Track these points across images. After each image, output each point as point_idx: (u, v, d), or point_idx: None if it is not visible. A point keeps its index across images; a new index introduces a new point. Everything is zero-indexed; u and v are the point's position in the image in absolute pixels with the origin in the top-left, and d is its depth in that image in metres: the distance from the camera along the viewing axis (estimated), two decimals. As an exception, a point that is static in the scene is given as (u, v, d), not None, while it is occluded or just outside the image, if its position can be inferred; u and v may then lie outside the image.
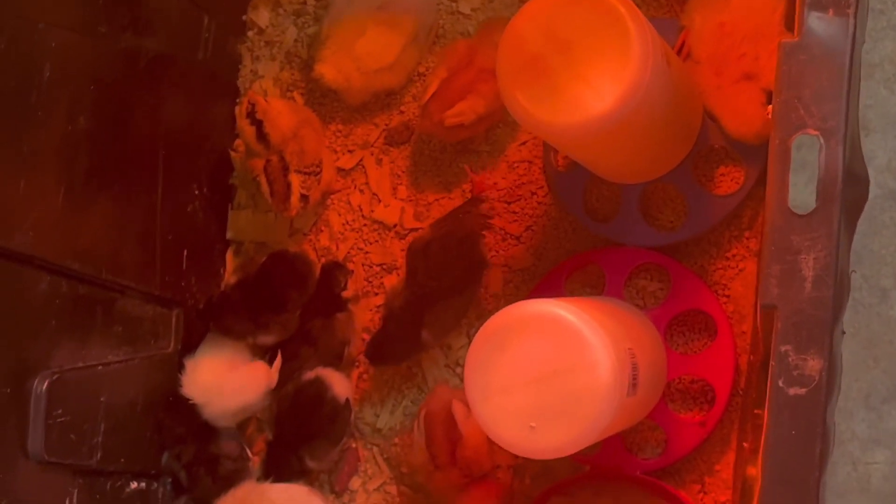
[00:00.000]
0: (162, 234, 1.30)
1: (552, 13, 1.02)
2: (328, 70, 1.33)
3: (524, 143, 1.35)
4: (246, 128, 1.31)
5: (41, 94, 1.09)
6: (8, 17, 1.04)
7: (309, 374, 1.32)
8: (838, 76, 0.84)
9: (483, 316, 1.34)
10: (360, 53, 1.33)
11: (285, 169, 1.34)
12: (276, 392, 1.34)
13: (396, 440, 1.36)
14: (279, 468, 1.31)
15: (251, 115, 1.31)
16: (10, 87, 1.05)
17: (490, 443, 1.22)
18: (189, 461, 1.31)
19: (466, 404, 1.11)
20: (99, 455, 1.20)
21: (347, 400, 1.32)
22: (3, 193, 1.06)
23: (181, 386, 1.30)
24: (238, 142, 1.42)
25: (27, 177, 1.08)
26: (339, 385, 1.32)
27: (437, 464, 1.26)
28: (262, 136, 1.31)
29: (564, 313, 1.02)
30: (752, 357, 1.23)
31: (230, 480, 1.30)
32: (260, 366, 1.33)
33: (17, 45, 1.05)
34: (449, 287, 1.27)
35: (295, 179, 1.34)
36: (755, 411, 1.15)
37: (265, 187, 1.33)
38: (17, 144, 1.07)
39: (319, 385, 1.31)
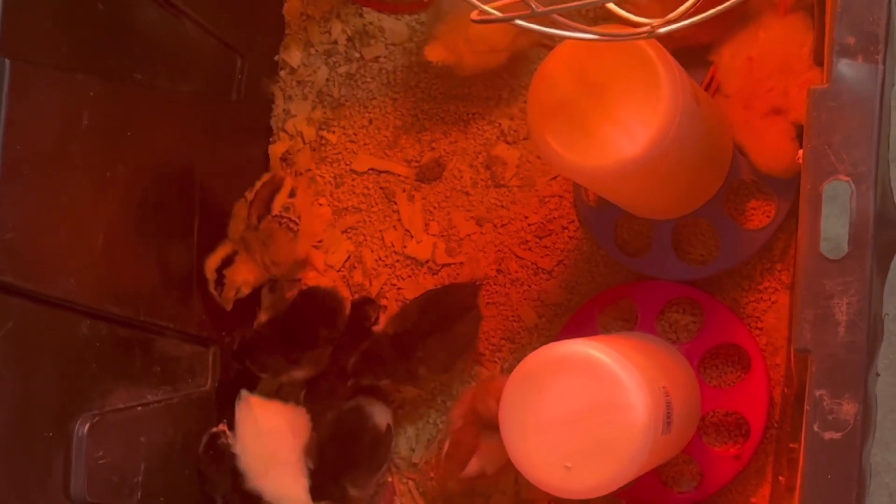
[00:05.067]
0: (199, 274, 1.32)
1: (582, 56, 1.03)
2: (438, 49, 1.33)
3: (555, 178, 1.36)
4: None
5: (80, 143, 1.11)
6: (46, 68, 1.06)
7: (349, 403, 1.33)
8: (868, 122, 0.84)
9: (517, 351, 1.35)
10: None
11: None
12: (317, 420, 1.35)
13: (432, 474, 1.37)
14: (321, 496, 1.32)
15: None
16: (49, 138, 1.07)
17: None
18: (226, 492, 1.33)
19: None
20: (139, 495, 1.21)
21: (388, 427, 1.33)
22: (45, 241, 1.08)
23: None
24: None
25: (67, 224, 1.10)
26: (380, 413, 1.33)
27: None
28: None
29: (598, 354, 1.03)
30: (786, 390, 1.23)
31: None
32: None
33: (55, 97, 1.07)
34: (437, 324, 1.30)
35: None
36: (790, 445, 1.15)
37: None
38: (57, 193, 1.09)
39: (360, 414, 1.32)
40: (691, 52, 1.25)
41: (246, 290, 1.35)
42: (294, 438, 1.32)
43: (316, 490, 1.32)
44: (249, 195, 1.39)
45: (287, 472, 1.31)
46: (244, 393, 1.32)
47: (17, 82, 1.02)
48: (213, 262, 1.33)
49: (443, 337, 1.31)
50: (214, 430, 1.31)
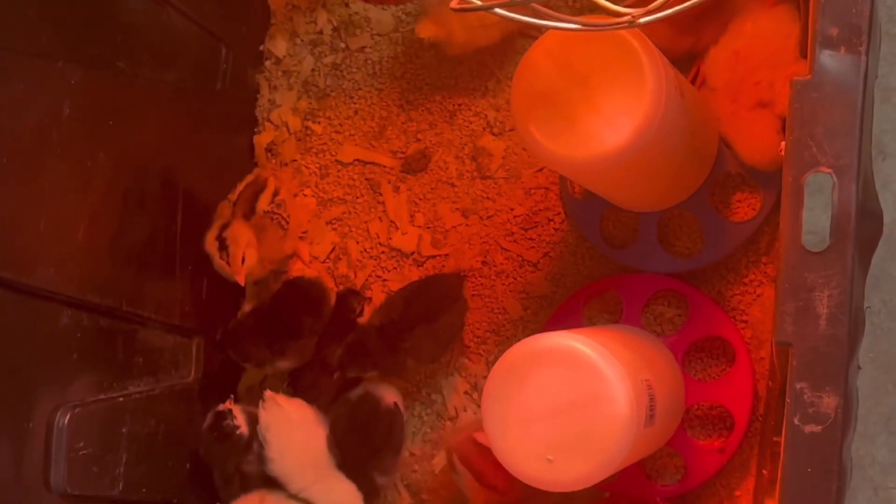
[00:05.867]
0: (182, 264, 1.31)
1: (567, 47, 1.03)
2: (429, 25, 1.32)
3: (541, 170, 1.36)
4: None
5: (61, 132, 1.10)
6: (27, 56, 1.05)
7: (355, 392, 1.32)
8: (851, 114, 0.84)
9: (502, 343, 1.35)
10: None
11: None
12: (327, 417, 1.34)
13: (416, 467, 1.37)
14: None
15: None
16: (30, 126, 1.06)
17: None
18: (228, 471, 1.32)
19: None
20: (121, 486, 1.20)
21: (396, 405, 1.32)
22: (25, 230, 1.07)
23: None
24: (257, 170, 1.44)
25: (47, 213, 1.09)
26: (387, 393, 1.32)
27: (502, 490, 1.25)
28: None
29: (581, 346, 1.02)
30: (770, 383, 1.23)
31: None
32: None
33: (36, 85, 1.06)
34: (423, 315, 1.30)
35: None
36: (774, 438, 1.15)
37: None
38: (37, 182, 1.08)
39: (370, 400, 1.31)
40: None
41: (251, 255, 1.32)
42: (322, 430, 1.32)
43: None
44: (233, 196, 1.38)
45: (334, 477, 1.31)
46: (268, 393, 1.30)
47: (-3, 70, 1.01)
48: (211, 233, 1.32)
49: (430, 328, 1.30)
50: (221, 408, 1.31)
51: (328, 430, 1.32)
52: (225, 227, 1.33)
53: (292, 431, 1.29)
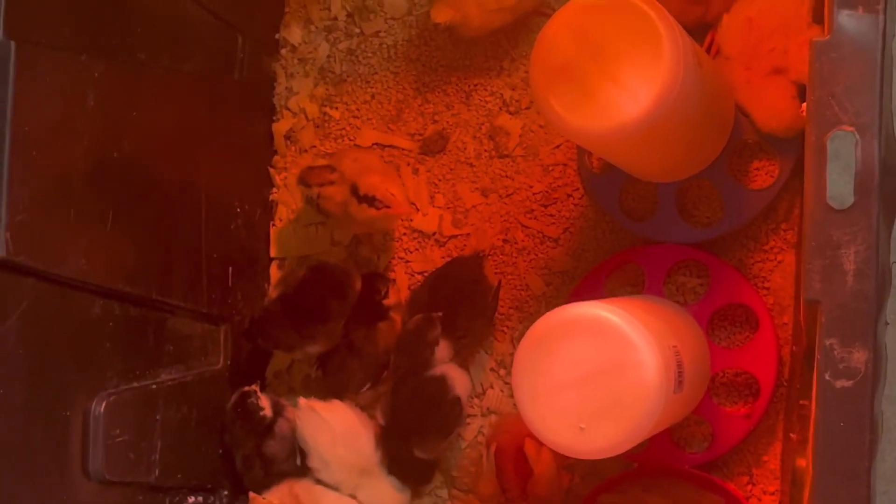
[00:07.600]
0: (207, 252, 1.33)
1: (584, 19, 1.04)
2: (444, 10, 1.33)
3: (558, 147, 1.37)
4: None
5: (86, 123, 1.11)
6: (52, 49, 1.06)
7: (434, 371, 1.32)
8: (870, 71, 0.85)
9: (526, 319, 1.36)
10: None
11: None
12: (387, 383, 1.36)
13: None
14: (386, 455, 1.34)
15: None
16: (56, 119, 1.08)
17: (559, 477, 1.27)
18: (247, 453, 1.34)
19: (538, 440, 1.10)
20: (157, 472, 1.22)
21: (459, 399, 1.33)
22: (54, 222, 1.08)
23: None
24: (276, 158, 1.46)
25: (76, 204, 1.11)
26: (461, 384, 1.33)
27: (509, 497, 1.27)
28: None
29: (608, 314, 1.04)
30: (794, 348, 1.24)
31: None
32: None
33: (61, 78, 1.08)
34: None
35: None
36: (800, 402, 1.16)
37: None
38: (65, 173, 1.09)
39: (443, 384, 1.32)
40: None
41: (391, 186, 1.31)
42: (367, 431, 1.34)
43: (381, 448, 1.34)
44: (314, 196, 1.34)
45: (379, 482, 1.33)
46: (302, 401, 1.32)
47: (24, 65, 1.02)
48: (352, 207, 1.30)
49: (472, 311, 1.33)
50: (246, 388, 1.33)
51: (390, 394, 1.33)
52: (356, 190, 1.30)
53: (335, 444, 1.31)
